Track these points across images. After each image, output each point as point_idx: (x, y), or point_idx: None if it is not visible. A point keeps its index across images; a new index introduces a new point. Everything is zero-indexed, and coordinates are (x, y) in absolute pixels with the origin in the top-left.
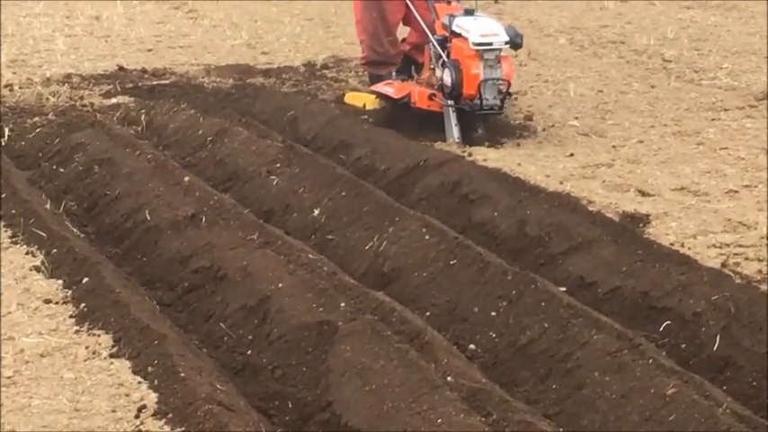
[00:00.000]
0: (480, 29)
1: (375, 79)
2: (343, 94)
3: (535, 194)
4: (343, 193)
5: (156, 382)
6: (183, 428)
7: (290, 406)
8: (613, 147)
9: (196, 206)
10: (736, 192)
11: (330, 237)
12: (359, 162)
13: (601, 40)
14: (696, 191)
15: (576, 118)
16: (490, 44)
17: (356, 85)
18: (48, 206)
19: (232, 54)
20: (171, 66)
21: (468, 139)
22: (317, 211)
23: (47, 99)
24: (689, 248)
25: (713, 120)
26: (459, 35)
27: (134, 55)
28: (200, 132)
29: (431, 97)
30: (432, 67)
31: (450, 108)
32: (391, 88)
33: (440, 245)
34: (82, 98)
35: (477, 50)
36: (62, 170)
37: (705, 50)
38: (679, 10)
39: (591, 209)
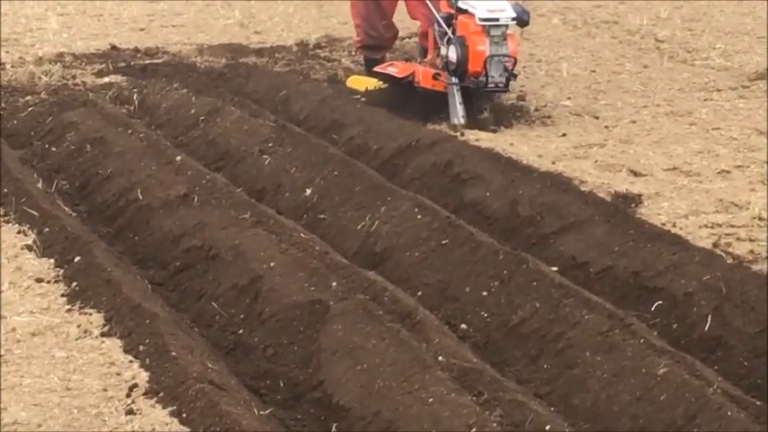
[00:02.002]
0: (487, 5)
1: (370, 63)
2: (345, 79)
3: (527, 174)
4: (336, 173)
5: (147, 360)
6: (175, 407)
7: (282, 385)
8: (606, 127)
9: (188, 185)
10: (729, 172)
11: (322, 216)
12: (351, 142)
13: (594, 20)
14: (688, 171)
15: (569, 98)
16: (497, 20)
17: (349, 65)
18: (40, 185)
19: (225, 33)
20: (163, 45)
21: (473, 122)
22: (309, 191)
23: (39, 78)
24: (681, 228)
25: (706, 100)
26: (464, 11)
27: (127, 34)
28: (193, 112)
29: (435, 77)
30: (437, 47)
31: (455, 87)
32: (395, 68)
33: (432, 224)
34: (74, 77)
35: (484, 26)
36: (54, 149)
37: (698, 31)
38: None
39: (583, 189)
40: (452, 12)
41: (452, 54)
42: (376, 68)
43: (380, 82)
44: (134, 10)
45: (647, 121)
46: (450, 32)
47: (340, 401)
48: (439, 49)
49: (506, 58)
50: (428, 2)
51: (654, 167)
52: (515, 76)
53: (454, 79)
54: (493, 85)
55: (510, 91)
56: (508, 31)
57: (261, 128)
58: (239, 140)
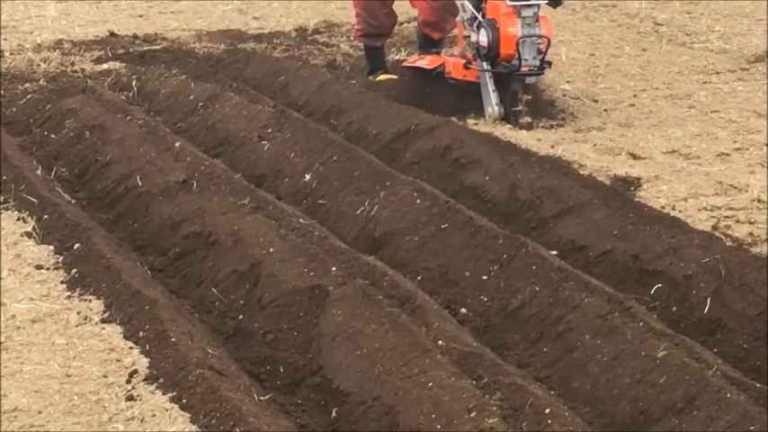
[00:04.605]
0: None
1: (371, 51)
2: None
3: (526, 158)
4: (335, 158)
5: (147, 347)
6: (175, 393)
7: (282, 370)
8: (605, 110)
9: (187, 172)
10: (728, 155)
11: (321, 201)
12: (350, 127)
13: (592, 4)
14: (687, 154)
15: (568, 82)
16: None
17: (348, 50)
18: (39, 172)
19: (223, 19)
20: (162, 31)
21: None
22: (308, 176)
23: (38, 65)
24: (680, 211)
25: (705, 83)
26: None
27: (125, 20)
28: (192, 98)
29: (466, 66)
30: (466, 35)
31: (487, 74)
32: (424, 61)
33: (431, 209)
34: (73, 64)
35: (515, 7)
36: (53, 136)
37: (697, 13)
38: None
39: (582, 172)
40: None
41: (483, 38)
42: (405, 63)
43: (392, 75)
44: None
45: (646, 105)
46: (479, 16)
47: (340, 386)
48: (468, 36)
49: (540, 40)
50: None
51: (653, 150)
52: (550, 63)
53: (486, 65)
54: (527, 69)
55: (544, 74)
56: (540, 12)
57: (260, 113)
58: (238, 126)
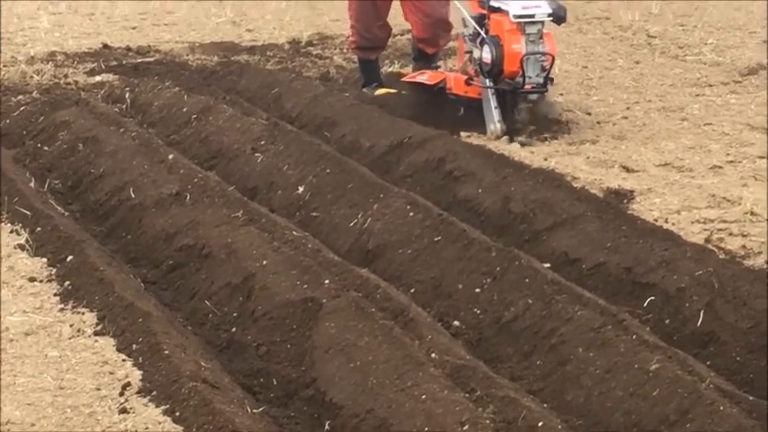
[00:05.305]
0: (521, 1)
1: (365, 64)
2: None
3: (519, 171)
4: (328, 171)
5: (140, 359)
6: (168, 405)
7: (275, 383)
8: (598, 123)
9: (180, 184)
10: (720, 167)
11: (315, 214)
12: (343, 139)
13: (586, 16)
14: (680, 166)
15: (561, 94)
16: (532, 16)
17: (341, 63)
18: (32, 184)
19: (217, 31)
20: (155, 43)
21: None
22: (301, 189)
23: (31, 77)
24: (673, 224)
25: (697, 95)
26: (498, 10)
27: (118, 33)
28: (185, 110)
29: (467, 82)
30: (467, 51)
31: (490, 91)
32: (425, 76)
33: (424, 222)
34: (66, 76)
35: (519, 23)
36: (46, 148)
37: (690, 26)
38: None
39: (575, 185)
40: (484, 12)
41: (486, 54)
42: (405, 78)
43: (390, 89)
44: (126, 8)
45: (639, 117)
46: (483, 33)
47: (333, 399)
48: (471, 53)
49: (544, 57)
50: (458, 3)
51: (646, 163)
52: (552, 79)
53: (488, 82)
54: (530, 86)
55: (548, 91)
56: (544, 29)
57: (253, 126)
58: (231, 138)
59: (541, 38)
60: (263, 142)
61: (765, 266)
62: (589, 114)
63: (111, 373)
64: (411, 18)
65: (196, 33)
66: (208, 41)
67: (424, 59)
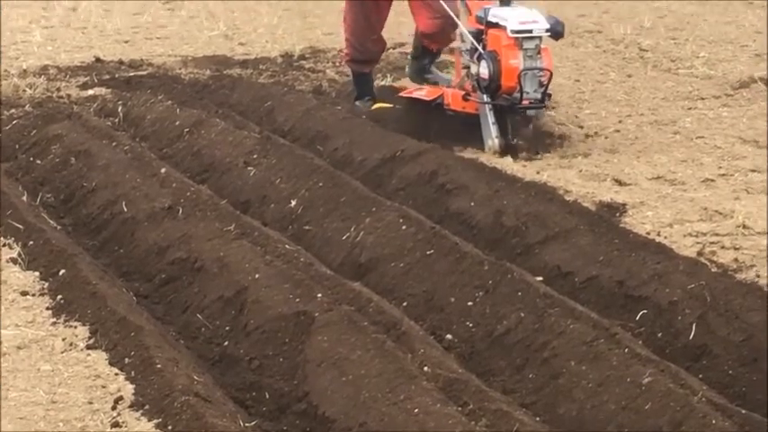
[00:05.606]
0: (519, 17)
1: (358, 77)
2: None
3: (512, 184)
4: (320, 184)
5: (132, 373)
6: (160, 419)
7: (267, 396)
8: (590, 136)
9: (173, 198)
10: (713, 181)
11: (307, 227)
12: (336, 153)
13: (578, 30)
14: (672, 180)
15: (554, 107)
16: (530, 31)
17: (333, 76)
18: (24, 198)
19: (209, 45)
20: (148, 57)
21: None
22: (293, 202)
23: (24, 91)
24: (665, 237)
25: (690, 109)
26: (495, 25)
27: (111, 46)
28: (177, 124)
29: (465, 98)
30: (465, 66)
31: (487, 106)
32: (422, 92)
33: (416, 235)
34: (59, 90)
35: (517, 39)
36: (39, 162)
37: (682, 40)
38: None
39: (567, 198)
40: (482, 27)
41: (484, 70)
42: (402, 94)
43: (386, 103)
44: (118, 22)
45: (632, 131)
46: (480, 48)
47: (325, 413)
48: (468, 68)
49: (541, 73)
50: (458, 21)
51: (638, 176)
52: (549, 95)
53: (486, 98)
54: (527, 102)
55: (546, 106)
56: (542, 45)
57: (245, 139)
58: (224, 152)
59: (539, 53)
60: (255, 156)
61: (757, 279)
62: (581, 128)
63: (104, 387)
64: (418, 13)
65: (189, 47)
66: (200, 55)
67: (427, 57)
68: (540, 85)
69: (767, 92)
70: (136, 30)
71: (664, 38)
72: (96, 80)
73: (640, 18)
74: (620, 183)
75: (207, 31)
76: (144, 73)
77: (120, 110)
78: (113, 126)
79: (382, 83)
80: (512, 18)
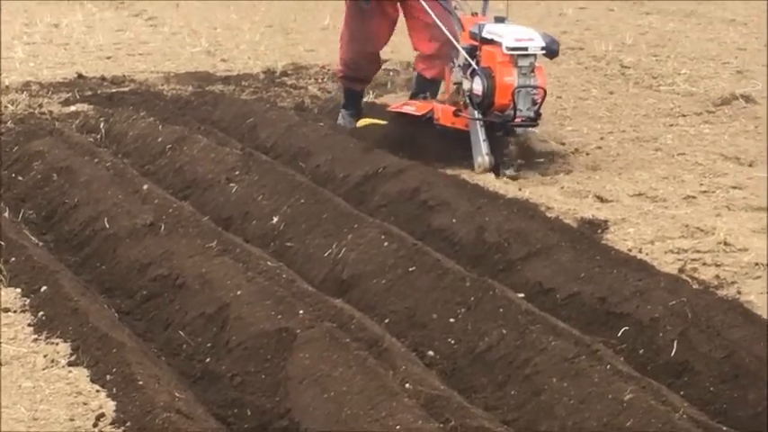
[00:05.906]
0: (514, 34)
1: (350, 95)
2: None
3: (494, 201)
4: (302, 201)
5: (114, 390)
6: None
7: (249, 413)
8: (572, 153)
9: (155, 214)
10: (694, 197)
11: (289, 244)
12: (318, 169)
13: (560, 47)
14: (654, 197)
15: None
16: (525, 49)
17: (316, 93)
18: (6, 214)
19: (191, 61)
20: (130, 73)
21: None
22: (275, 219)
23: (5, 107)
24: (647, 254)
25: (671, 125)
26: (490, 41)
27: (93, 62)
28: (160, 140)
29: (455, 114)
30: (455, 83)
31: (479, 123)
32: (412, 107)
33: (398, 252)
34: (41, 106)
35: (512, 56)
36: (21, 178)
37: (663, 56)
38: (638, 16)
39: (549, 215)
40: (476, 43)
41: (477, 86)
42: (391, 108)
43: (374, 120)
44: (100, 38)
45: (613, 147)
46: (474, 64)
47: (307, 429)
48: (459, 84)
49: (535, 91)
50: (450, 36)
51: (620, 193)
52: (540, 114)
53: (478, 114)
54: (520, 120)
55: (538, 125)
56: (536, 64)
57: (227, 156)
58: (206, 169)
59: (533, 71)
60: (237, 172)
61: (738, 296)
62: (563, 144)
63: (85, 404)
64: (416, 35)
65: (171, 63)
66: (183, 71)
67: (428, 89)
68: (534, 103)
69: (748, 109)
70: (118, 46)
71: (645, 55)
72: (78, 96)
73: (622, 35)
74: (601, 199)
75: (189, 47)
76: (126, 89)
77: (102, 126)
78: (95, 142)
79: (365, 99)
80: (507, 35)
